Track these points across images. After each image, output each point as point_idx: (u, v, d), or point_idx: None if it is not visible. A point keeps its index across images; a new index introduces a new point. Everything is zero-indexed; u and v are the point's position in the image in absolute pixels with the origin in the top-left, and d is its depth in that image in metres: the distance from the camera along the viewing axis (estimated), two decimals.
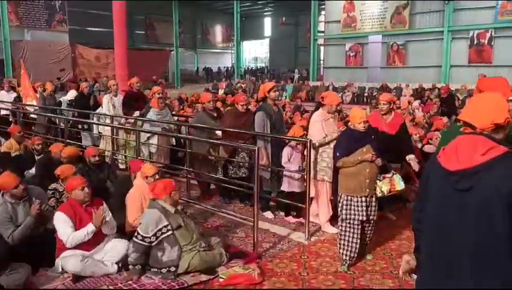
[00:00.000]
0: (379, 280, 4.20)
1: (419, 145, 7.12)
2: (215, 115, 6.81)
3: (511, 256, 1.92)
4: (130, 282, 4.08)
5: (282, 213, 5.95)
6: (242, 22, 33.47)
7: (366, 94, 21.50)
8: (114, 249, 4.33)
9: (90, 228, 4.19)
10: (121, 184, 5.49)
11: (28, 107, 10.49)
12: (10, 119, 10.51)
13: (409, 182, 5.96)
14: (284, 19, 38.71)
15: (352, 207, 4.34)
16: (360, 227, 4.37)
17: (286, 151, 5.58)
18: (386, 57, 23.19)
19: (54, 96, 10.84)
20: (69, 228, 4.16)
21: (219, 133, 6.68)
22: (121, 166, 7.92)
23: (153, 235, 4.11)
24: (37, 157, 6.68)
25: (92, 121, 8.71)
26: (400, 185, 4.51)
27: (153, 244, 4.13)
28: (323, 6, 27.74)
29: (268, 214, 5.95)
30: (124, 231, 4.74)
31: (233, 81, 27.69)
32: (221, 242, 4.62)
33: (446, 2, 20.15)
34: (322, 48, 28.74)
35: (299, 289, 4.05)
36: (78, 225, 4.20)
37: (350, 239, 4.34)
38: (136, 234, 4.15)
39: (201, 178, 6.77)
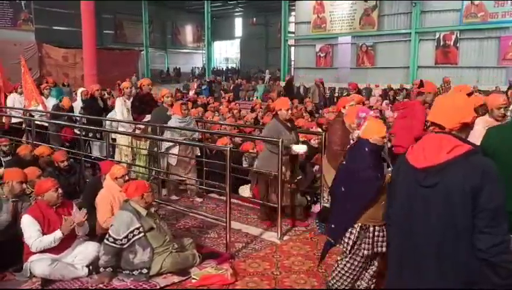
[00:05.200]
0: None
1: (389, 145, 7.21)
2: (289, 125, 5.62)
3: (474, 255, 1.99)
4: (101, 285, 4.02)
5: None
6: (213, 22, 33.36)
7: (336, 95, 21.72)
8: (84, 251, 4.26)
9: (57, 234, 4.10)
10: (91, 186, 5.42)
11: (34, 114, 8.87)
12: (23, 128, 8.91)
13: None
14: (254, 19, 38.74)
15: (376, 239, 3.52)
16: None
17: None
18: (356, 58, 23.50)
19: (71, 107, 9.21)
20: (35, 231, 4.06)
21: (298, 148, 5.47)
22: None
23: (125, 238, 4.06)
24: (3, 159, 6.53)
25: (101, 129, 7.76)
26: None
27: (125, 246, 4.08)
28: (293, 7, 27.91)
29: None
30: (95, 233, 4.68)
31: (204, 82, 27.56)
32: (194, 243, 4.60)
33: (413, 4, 20.56)
34: (292, 48, 28.89)
35: (271, 289, 4.08)
36: (46, 228, 4.11)
37: (358, 273, 3.63)
38: (107, 236, 4.10)
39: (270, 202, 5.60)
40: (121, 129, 7.33)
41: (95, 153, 7.93)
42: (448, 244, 2.02)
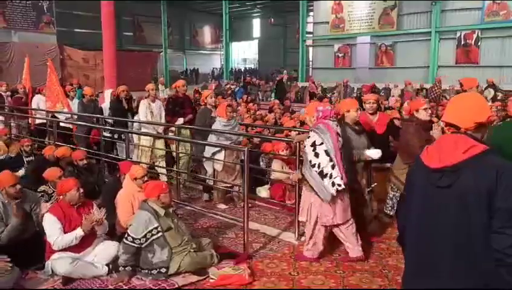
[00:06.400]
0: (368, 279, 4.24)
1: None
2: (357, 128, 4.91)
3: (489, 256, 1.97)
4: (121, 284, 4.08)
5: None
6: (231, 23, 33.47)
7: (354, 95, 21.58)
8: (104, 250, 4.33)
9: (78, 233, 4.18)
10: (110, 185, 5.51)
11: (59, 116, 8.82)
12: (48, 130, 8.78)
13: None
14: (272, 20, 38.73)
15: None
16: None
17: None
18: (375, 58, 23.31)
19: (95, 101, 9.31)
20: (57, 229, 4.14)
21: (372, 154, 4.79)
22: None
23: (143, 237, 4.11)
24: (26, 159, 6.66)
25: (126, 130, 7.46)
26: None
27: (143, 245, 4.13)
28: (311, 8, 27.82)
29: None
30: (115, 232, 4.75)
31: (222, 82, 27.63)
32: (212, 243, 4.63)
33: (433, 3, 20.31)
34: (310, 48, 28.80)
35: (289, 289, 4.08)
36: (67, 227, 4.19)
37: None
38: (126, 235, 4.15)
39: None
40: (144, 130, 7.33)
41: (121, 155, 7.68)
42: (462, 245, 2.01)
